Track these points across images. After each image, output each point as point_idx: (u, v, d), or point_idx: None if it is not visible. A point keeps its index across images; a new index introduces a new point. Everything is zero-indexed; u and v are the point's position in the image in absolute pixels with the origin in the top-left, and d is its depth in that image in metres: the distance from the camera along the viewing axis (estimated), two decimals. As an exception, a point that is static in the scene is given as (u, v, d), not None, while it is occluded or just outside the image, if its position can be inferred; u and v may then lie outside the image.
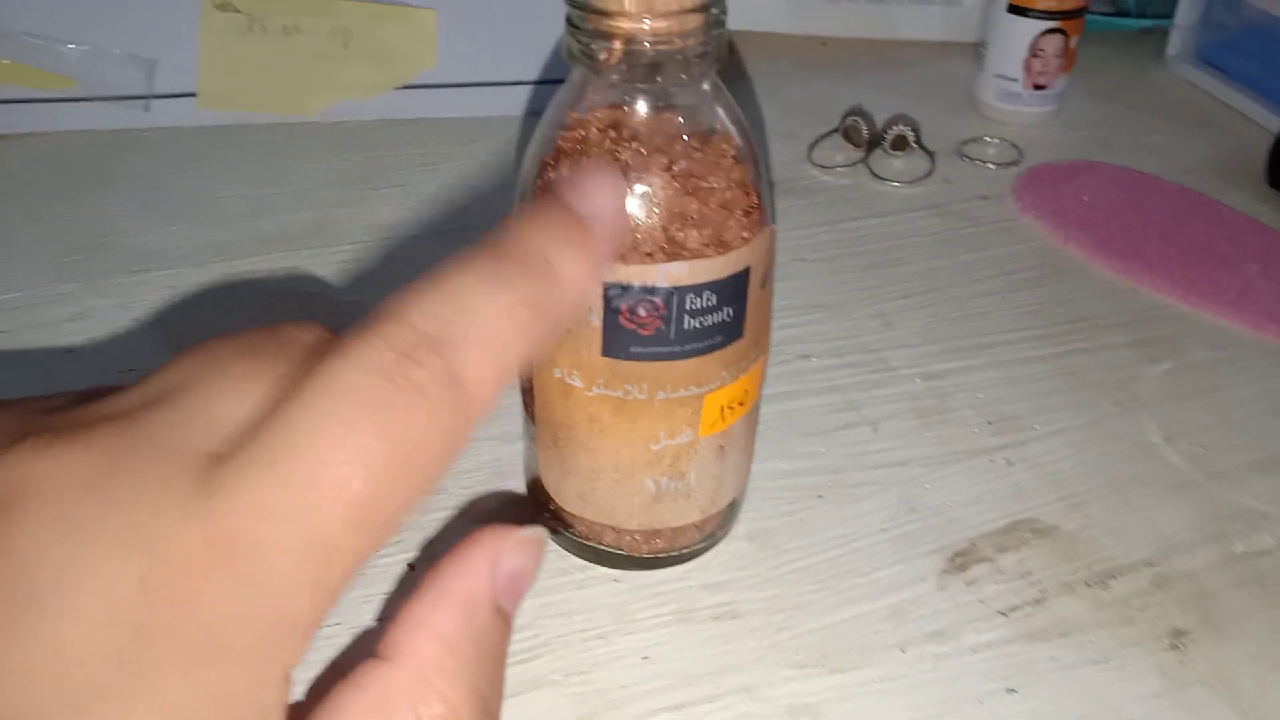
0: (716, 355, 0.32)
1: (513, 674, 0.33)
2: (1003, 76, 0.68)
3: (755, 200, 0.32)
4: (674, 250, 0.31)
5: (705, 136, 0.31)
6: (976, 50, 0.70)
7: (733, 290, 0.31)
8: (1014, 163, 0.64)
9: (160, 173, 0.60)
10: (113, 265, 0.52)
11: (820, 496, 0.40)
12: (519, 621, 0.35)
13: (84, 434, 0.17)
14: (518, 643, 0.34)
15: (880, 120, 0.64)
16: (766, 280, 0.33)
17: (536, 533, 0.20)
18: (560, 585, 0.36)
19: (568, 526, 0.37)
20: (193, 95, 0.63)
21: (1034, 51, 0.66)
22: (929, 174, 0.62)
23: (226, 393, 0.17)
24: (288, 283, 0.51)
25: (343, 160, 0.61)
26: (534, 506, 0.38)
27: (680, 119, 0.31)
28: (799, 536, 0.39)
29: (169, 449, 0.16)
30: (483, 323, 0.18)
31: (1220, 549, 0.39)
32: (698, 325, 0.31)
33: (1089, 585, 0.37)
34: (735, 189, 0.31)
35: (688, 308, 0.31)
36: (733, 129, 0.32)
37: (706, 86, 0.31)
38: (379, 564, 0.37)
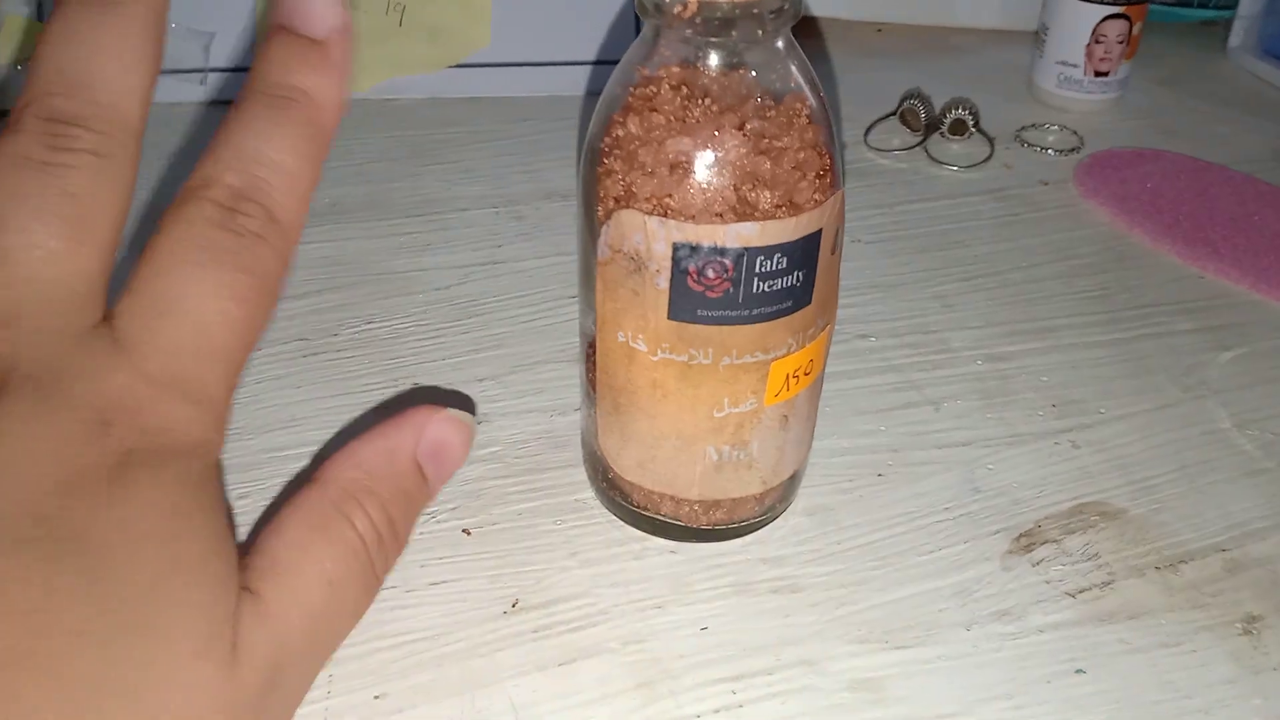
0: (784, 321, 0.32)
1: (568, 640, 0.33)
2: (1064, 63, 0.66)
3: (828, 162, 0.31)
4: (745, 210, 0.30)
5: (778, 95, 0.31)
6: (1036, 36, 0.68)
7: (803, 253, 0.31)
8: (1074, 149, 0.63)
9: (215, 145, 0.59)
10: (168, 233, 0.52)
11: (880, 475, 0.39)
12: (574, 589, 0.34)
13: None
14: (573, 609, 0.34)
15: (938, 105, 0.63)
16: (836, 246, 0.33)
17: (464, 416, 0.26)
18: (616, 555, 0.36)
19: (625, 496, 0.36)
20: (248, 70, 0.63)
21: (1096, 37, 0.65)
22: (988, 158, 0.61)
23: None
24: (341, 252, 0.51)
25: (395, 136, 0.61)
26: (591, 476, 0.38)
27: (753, 75, 0.30)
28: (859, 513, 0.38)
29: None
30: (276, 167, 0.23)
31: (1295, 537, 0.37)
32: (767, 289, 0.31)
33: (1159, 569, 0.36)
34: (808, 150, 0.31)
35: (757, 270, 0.30)
36: (806, 89, 0.31)
37: (780, 44, 0.31)
38: (434, 530, 0.36)
